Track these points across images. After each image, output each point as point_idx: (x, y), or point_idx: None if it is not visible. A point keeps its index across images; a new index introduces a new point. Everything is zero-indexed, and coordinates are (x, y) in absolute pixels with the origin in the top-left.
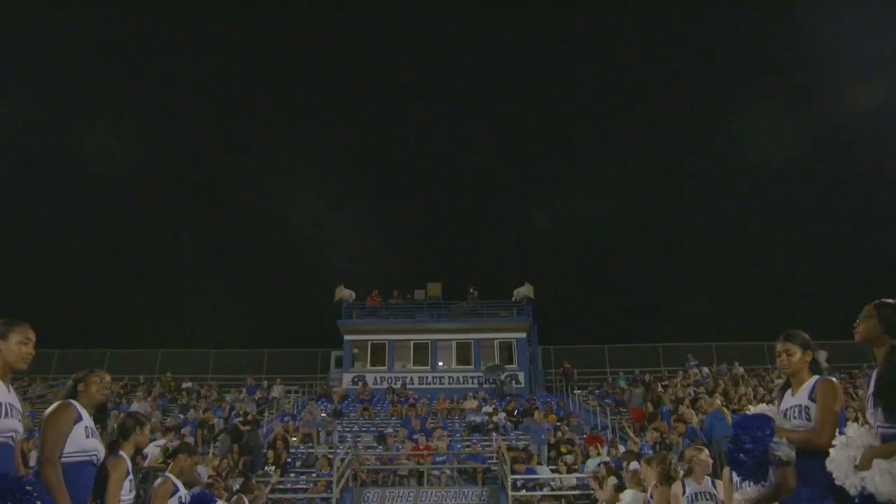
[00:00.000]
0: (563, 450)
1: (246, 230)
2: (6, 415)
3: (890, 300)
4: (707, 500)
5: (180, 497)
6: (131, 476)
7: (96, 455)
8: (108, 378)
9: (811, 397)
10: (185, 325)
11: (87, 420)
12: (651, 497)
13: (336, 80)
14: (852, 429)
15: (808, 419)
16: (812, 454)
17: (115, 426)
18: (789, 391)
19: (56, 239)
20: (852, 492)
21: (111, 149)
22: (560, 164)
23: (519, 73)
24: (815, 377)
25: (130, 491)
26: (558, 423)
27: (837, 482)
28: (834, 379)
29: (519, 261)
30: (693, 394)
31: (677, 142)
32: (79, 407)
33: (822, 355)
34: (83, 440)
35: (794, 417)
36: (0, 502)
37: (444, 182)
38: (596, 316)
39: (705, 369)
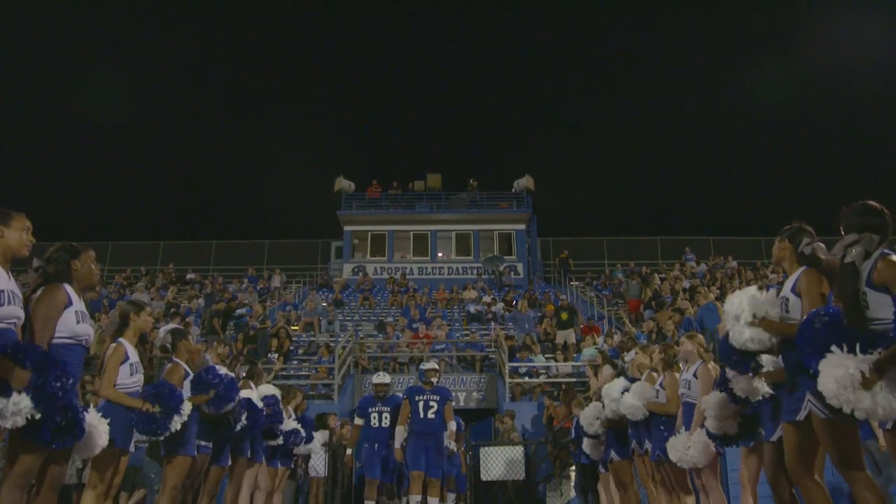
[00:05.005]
0: (564, 316)
1: (246, 122)
2: (8, 301)
3: (856, 203)
4: (681, 387)
5: (191, 381)
6: (132, 361)
7: (86, 339)
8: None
9: (793, 289)
10: (186, 217)
11: (78, 304)
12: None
13: None
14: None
15: (787, 310)
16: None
17: (117, 315)
18: (785, 282)
19: (58, 133)
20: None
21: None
22: (561, 59)
23: None
24: (802, 268)
25: (132, 375)
26: (554, 314)
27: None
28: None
29: (519, 152)
30: (689, 286)
31: (683, 39)
32: (69, 291)
33: (818, 248)
34: (74, 325)
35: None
36: (20, 359)
37: (444, 72)
38: (595, 208)
39: (703, 265)
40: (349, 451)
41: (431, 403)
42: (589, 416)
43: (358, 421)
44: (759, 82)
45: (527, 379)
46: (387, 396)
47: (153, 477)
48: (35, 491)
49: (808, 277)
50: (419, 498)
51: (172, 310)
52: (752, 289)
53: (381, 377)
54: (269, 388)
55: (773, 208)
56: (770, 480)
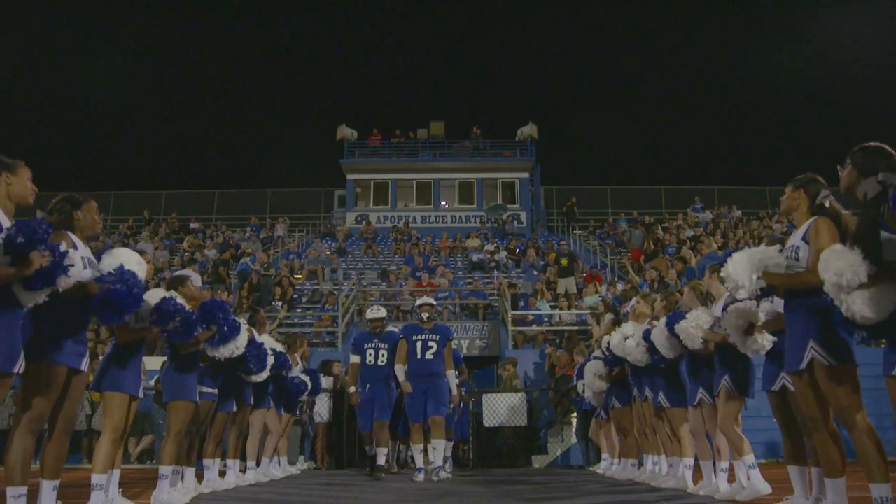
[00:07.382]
0: (564, 262)
1: (248, 72)
2: None
3: (868, 144)
4: None
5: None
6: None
7: None
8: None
9: (804, 238)
10: (189, 166)
11: (84, 251)
12: None
13: None
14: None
15: (797, 259)
16: (799, 294)
17: None
18: (794, 232)
19: (61, 83)
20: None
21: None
22: (566, 5)
23: None
24: (813, 217)
25: (136, 322)
26: (555, 261)
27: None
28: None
29: (523, 100)
30: (693, 234)
31: None
32: (74, 238)
33: (830, 198)
34: (81, 271)
35: (788, 257)
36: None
37: (447, 18)
38: (599, 157)
39: (708, 213)
40: (353, 389)
41: (430, 343)
42: (590, 376)
43: (354, 358)
44: (766, 33)
45: (534, 327)
46: (383, 332)
47: (161, 423)
48: (47, 436)
49: (818, 225)
50: (422, 447)
51: (181, 257)
52: (758, 249)
53: (375, 311)
54: (268, 341)
55: (777, 158)
56: (780, 425)
